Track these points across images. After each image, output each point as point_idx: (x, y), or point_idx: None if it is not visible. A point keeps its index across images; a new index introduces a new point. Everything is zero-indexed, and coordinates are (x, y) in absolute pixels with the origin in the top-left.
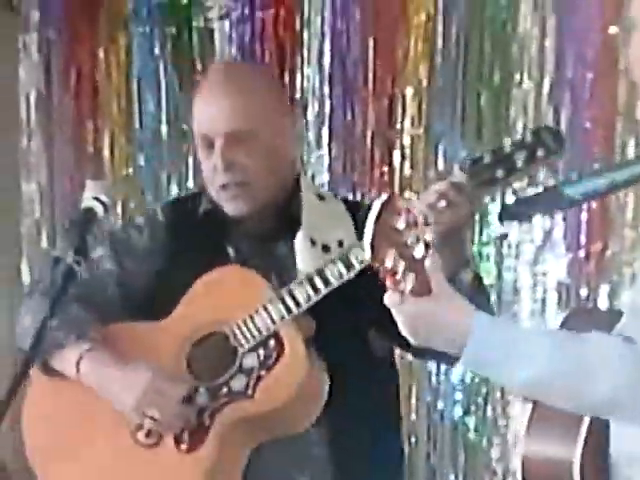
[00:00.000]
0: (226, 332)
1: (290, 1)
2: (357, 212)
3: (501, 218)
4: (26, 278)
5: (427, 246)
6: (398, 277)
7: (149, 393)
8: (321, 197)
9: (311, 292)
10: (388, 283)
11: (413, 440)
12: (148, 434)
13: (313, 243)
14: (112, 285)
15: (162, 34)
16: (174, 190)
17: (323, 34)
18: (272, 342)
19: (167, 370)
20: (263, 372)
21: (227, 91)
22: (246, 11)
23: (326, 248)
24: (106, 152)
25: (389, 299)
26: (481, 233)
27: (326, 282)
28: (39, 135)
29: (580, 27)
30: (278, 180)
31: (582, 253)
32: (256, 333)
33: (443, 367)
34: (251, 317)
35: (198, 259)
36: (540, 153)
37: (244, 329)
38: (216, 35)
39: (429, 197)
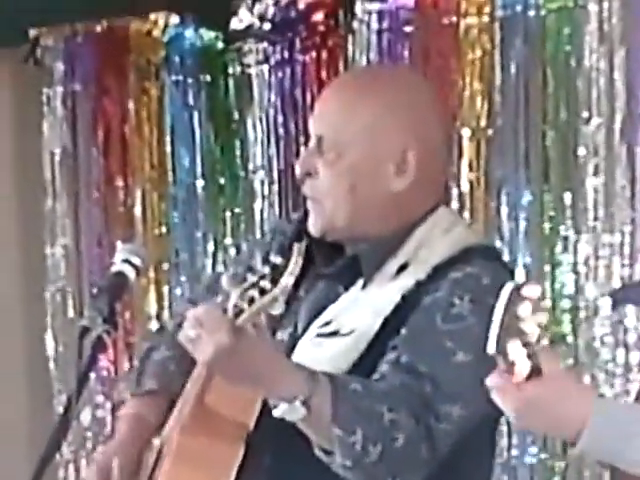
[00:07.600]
0: None
1: (333, 42)
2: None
3: (614, 305)
4: (50, 351)
5: (541, 329)
6: (517, 368)
7: None
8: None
9: None
10: (506, 374)
11: None
12: None
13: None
14: None
15: (196, 82)
16: (210, 249)
17: None
18: None
19: None
20: None
21: (339, 90)
22: (285, 54)
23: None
24: (137, 211)
25: (503, 389)
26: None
27: None
28: (65, 195)
29: None
30: (369, 215)
31: None
32: None
33: (516, 442)
34: None
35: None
36: None
37: None
38: (254, 81)
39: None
